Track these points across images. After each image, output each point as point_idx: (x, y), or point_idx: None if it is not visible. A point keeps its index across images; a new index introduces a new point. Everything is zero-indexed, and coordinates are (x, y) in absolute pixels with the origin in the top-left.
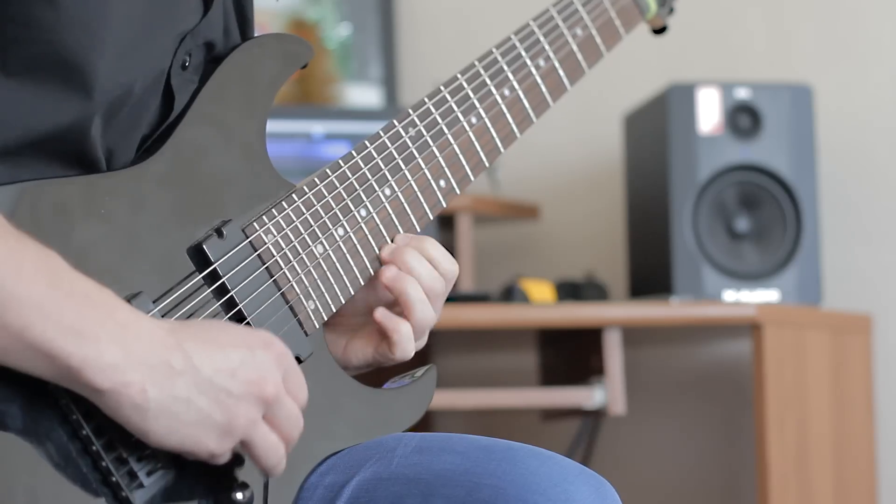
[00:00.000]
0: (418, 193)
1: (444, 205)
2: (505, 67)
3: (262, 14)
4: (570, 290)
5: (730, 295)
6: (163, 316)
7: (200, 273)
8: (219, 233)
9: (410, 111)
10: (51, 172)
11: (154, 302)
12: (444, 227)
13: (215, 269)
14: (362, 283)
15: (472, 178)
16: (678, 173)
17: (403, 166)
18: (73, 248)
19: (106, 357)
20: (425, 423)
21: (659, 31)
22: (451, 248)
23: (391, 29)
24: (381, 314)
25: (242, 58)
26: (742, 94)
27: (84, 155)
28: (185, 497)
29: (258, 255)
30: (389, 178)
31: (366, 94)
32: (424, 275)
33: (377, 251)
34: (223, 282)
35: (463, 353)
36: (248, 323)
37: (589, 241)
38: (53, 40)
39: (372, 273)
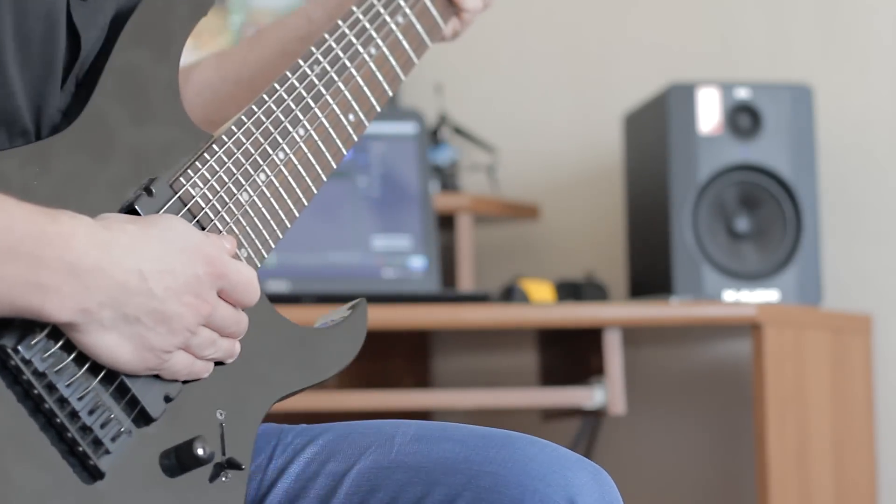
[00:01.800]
0: (330, 130)
1: (356, 139)
2: None
3: (262, 14)
4: (570, 290)
5: (730, 295)
6: None
7: None
8: (148, 191)
9: (313, 49)
10: None
11: None
12: (445, 227)
13: None
14: (289, 226)
15: (377, 108)
16: (678, 173)
17: (313, 104)
18: None
19: (66, 301)
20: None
21: None
22: (451, 248)
23: None
24: None
25: (146, 15)
26: (742, 94)
27: (7, 115)
28: (150, 458)
29: (188, 209)
30: (301, 117)
31: None
32: None
33: (298, 193)
34: None
35: (463, 353)
36: None
37: (589, 241)
38: None
39: (297, 215)
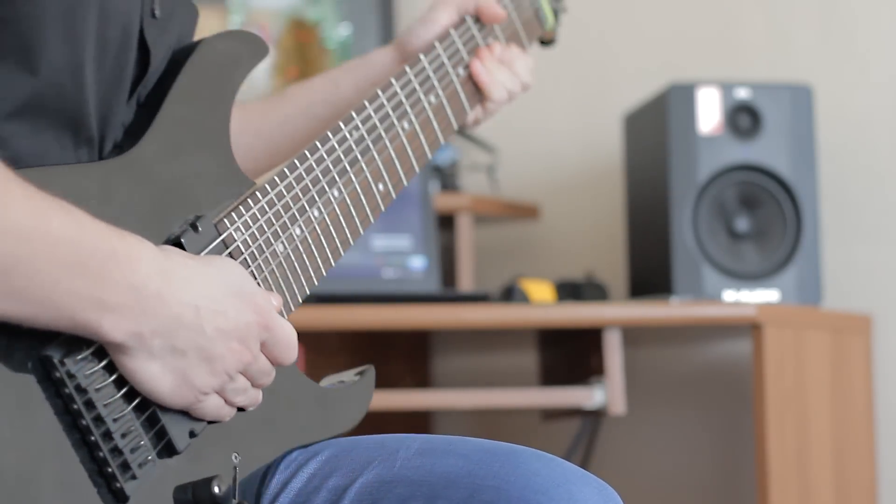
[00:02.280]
0: (361, 196)
1: (383, 208)
2: (431, 74)
3: (262, 14)
4: (570, 290)
5: (730, 295)
6: None
7: None
8: (194, 227)
9: (353, 114)
10: (45, 137)
11: None
12: (445, 227)
13: None
14: (315, 283)
15: (405, 182)
16: (678, 173)
17: (349, 168)
18: None
19: (122, 322)
20: (425, 421)
21: (548, 42)
22: (451, 248)
23: (391, 29)
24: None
25: (207, 55)
26: (742, 94)
27: (77, 119)
28: (167, 490)
29: (229, 252)
30: (338, 179)
31: None
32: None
33: (328, 252)
34: None
35: (463, 353)
36: None
37: (589, 241)
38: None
39: (324, 274)
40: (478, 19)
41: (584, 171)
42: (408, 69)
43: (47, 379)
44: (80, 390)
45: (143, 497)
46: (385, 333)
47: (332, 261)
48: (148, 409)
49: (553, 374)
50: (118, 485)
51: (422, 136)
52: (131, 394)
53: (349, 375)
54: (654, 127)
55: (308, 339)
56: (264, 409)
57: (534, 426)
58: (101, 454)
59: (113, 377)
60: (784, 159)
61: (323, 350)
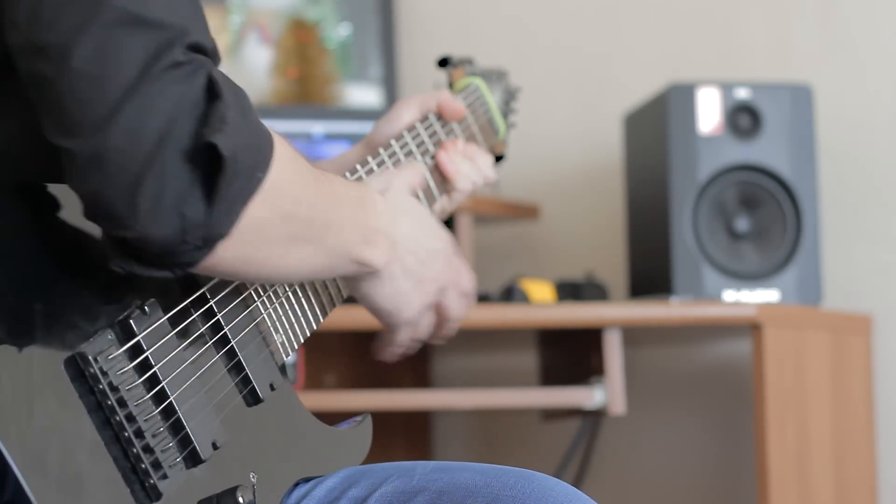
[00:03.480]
0: None
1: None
2: (402, 158)
3: (262, 14)
4: (570, 290)
5: (730, 295)
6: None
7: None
8: None
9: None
10: None
11: (164, 311)
12: (444, 226)
13: (204, 293)
14: (321, 320)
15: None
16: (678, 173)
17: None
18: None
19: (381, 247)
20: (425, 421)
21: (499, 157)
22: None
23: (391, 29)
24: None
25: None
26: (742, 94)
27: None
28: (197, 492)
29: (235, 285)
30: None
31: (366, 94)
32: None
33: (332, 296)
34: (211, 305)
35: (463, 353)
36: (235, 351)
37: (589, 241)
38: None
39: (321, 321)
40: (440, 117)
41: (584, 171)
42: (382, 151)
43: (80, 376)
44: (113, 388)
45: (174, 496)
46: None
47: (320, 316)
48: (173, 415)
49: (553, 374)
50: (152, 482)
51: None
52: (158, 397)
53: (348, 422)
54: (654, 127)
55: (308, 339)
56: (279, 439)
57: (534, 426)
58: (134, 451)
59: (142, 379)
60: (784, 159)
61: (323, 350)
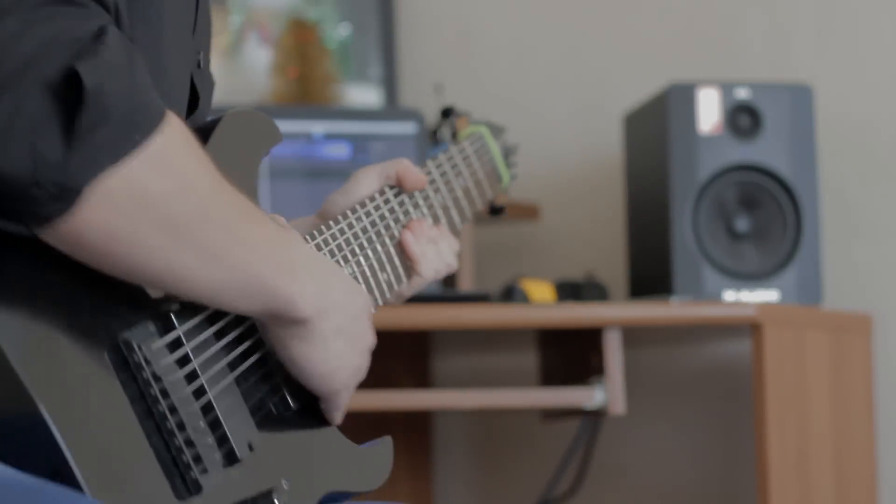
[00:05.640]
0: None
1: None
2: (360, 234)
3: (262, 14)
4: (570, 290)
5: (730, 295)
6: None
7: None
8: None
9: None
10: None
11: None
12: None
13: None
14: None
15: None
16: (678, 173)
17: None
18: None
19: (308, 290)
20: (425, 421)
21: (498, 210)
22: None
23: (391, 29)
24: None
25: (231, 130)
26: (742, 94)
27: None
28: (233, 492)
29: None
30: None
31: (366, 94)
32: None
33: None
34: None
35: (463, 353)
36: (267, 358)
37: (589, 241)
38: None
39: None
40: (400, 188)
41: (584, 171)
42: (333, 224)
43: (124, 364)
44: (156, 377)
45: (213, 493)
46: (385, 333)
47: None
48: (211, 412)
49: (553, 374)
50: (193, 476)
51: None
52: (198, 393)
53: (370, 443)
54: (654, 127)
55: None
56: (309, 449)
57: (534, 426)
58: (176, 443)
59: (184, 372)
60: (784, 159)
61: None
